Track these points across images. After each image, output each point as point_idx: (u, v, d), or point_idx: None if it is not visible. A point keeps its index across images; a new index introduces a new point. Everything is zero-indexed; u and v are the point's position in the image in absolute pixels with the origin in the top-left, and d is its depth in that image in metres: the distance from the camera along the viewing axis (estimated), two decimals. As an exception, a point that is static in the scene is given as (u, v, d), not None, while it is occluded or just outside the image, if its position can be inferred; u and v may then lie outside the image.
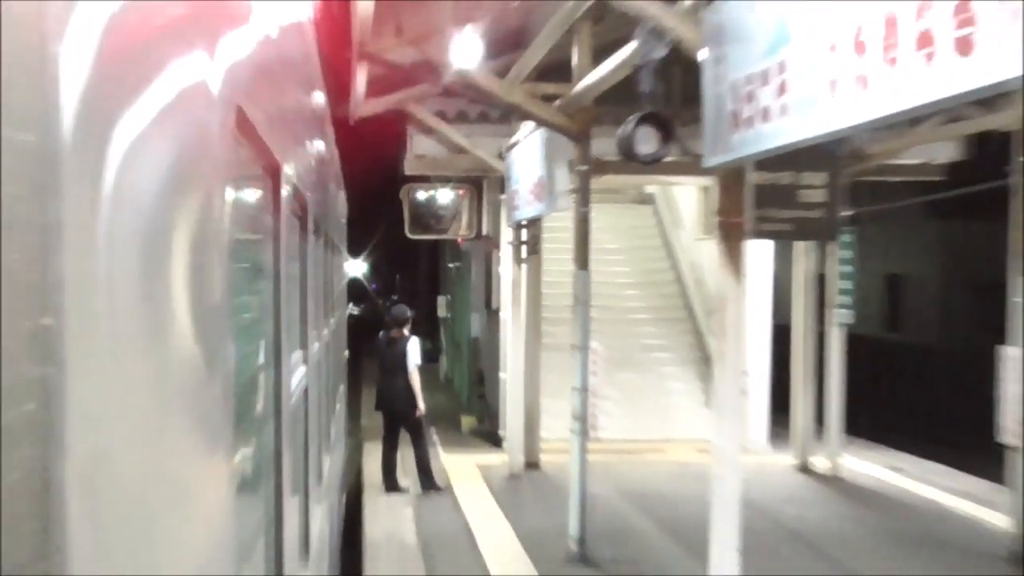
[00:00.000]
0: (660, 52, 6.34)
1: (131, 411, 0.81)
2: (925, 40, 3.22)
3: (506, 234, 10.88)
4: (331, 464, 5.76)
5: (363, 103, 9.75)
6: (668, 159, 7.60)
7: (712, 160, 5.17)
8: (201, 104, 1.08)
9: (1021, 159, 7.91)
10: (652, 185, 13.33)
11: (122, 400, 0.78)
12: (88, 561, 0.63)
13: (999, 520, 8.73)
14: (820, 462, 10.87)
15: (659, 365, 12.25)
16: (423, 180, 12.06)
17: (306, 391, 3.09)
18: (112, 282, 0.72)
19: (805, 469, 10.83)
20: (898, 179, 11.61)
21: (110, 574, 0.69)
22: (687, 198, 13.10)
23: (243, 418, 1.55)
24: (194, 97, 1.04)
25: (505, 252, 11.10)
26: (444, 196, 12.00)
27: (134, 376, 0.83)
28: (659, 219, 14.15)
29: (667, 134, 7.41)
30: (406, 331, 9.39)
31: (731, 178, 5.56)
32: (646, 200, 14.26)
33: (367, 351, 14.64)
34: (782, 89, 4.45)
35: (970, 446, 9.90)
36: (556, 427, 10.15)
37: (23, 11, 0.55)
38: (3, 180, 0.53)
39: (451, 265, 16.19)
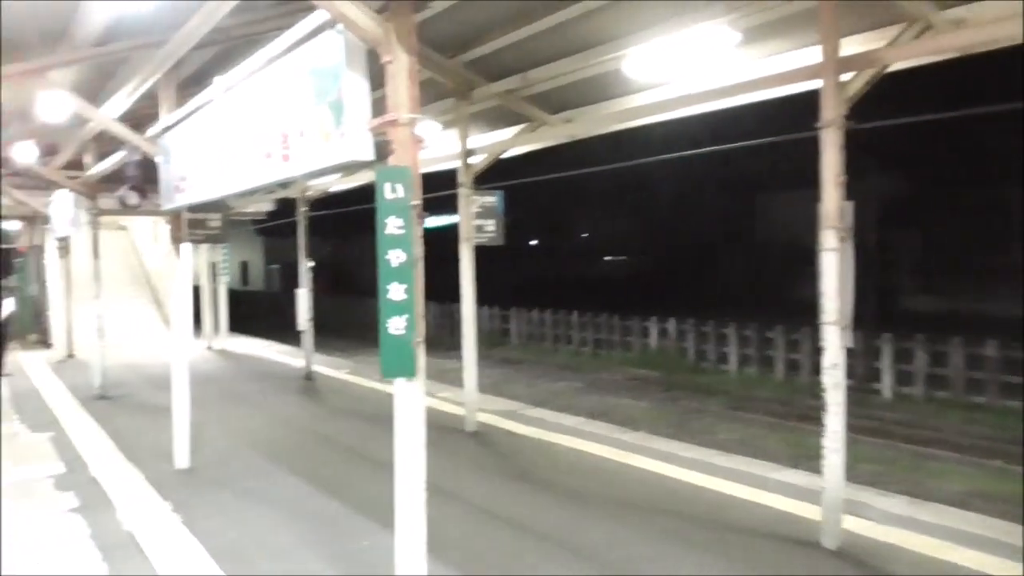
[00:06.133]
0: (137, 156, 9.88)
1: None
2: (265, 154, 4.59)
3: (51, 244, 17.02)
4: None
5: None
6: (141, 207, 11.78)
7: (166, 207, 7.39)
8: None
9: (302, 211, 14.40)
10: (125, 220, 20.36)
11: None
12: None
13: (299, 363, 14.18)
14: (215, 344, 18.68)
15: (134, 304, 19.57)
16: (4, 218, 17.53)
17: None
18: None
19: (210, 348, 18.51)
20: (247, 218, 20.78)
21: None
22: (145, 226, 20.99)
23: None
24: None
25: (51, 253, 17.26)
26: (14, 225, 17.82)
27: None
28: (130, 237, 21.80)
29: (143, 194, 11.40)
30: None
31: (175, 215, 7.79)
32: (123, 227, 21.71)
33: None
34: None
35: (290, 332, 15.69)
36: (83, 336, 15.68)
37: None
38: None
39: (16, 260, 21.77)
